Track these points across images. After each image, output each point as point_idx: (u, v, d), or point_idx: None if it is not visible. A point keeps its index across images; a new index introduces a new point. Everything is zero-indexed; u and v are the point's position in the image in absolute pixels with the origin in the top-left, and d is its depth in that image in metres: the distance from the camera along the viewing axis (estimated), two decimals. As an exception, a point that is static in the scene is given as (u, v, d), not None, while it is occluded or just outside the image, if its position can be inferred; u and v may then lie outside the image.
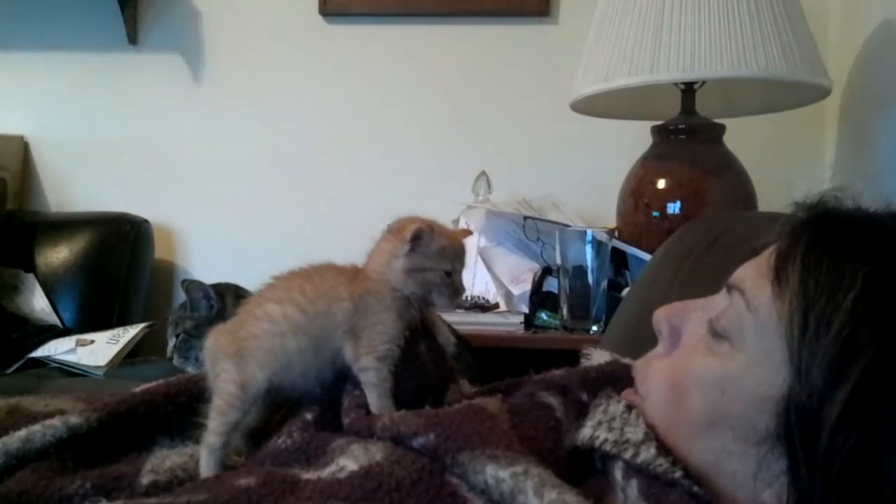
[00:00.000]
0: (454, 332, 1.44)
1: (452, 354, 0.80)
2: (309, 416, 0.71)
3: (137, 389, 0.82)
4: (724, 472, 0.62)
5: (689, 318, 0.70)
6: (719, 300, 0.68)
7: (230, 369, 0.72)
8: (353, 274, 0.76)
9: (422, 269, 0.74)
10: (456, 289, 0.76)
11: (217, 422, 0.71)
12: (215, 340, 0.75)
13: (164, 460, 0.72)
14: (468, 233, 0.84)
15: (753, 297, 0.63)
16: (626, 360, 0.79)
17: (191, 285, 1.51)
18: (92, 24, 2.41)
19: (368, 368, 0.71)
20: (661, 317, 0.71)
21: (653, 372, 0.70)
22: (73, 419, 0.75)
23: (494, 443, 0.61)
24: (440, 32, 2.35)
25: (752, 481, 0.60)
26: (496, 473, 0.58)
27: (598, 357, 0.84)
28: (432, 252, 0.75)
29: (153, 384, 0.83)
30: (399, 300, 0.74)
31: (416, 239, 0.74)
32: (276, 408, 0.77)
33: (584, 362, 0.84)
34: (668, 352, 0.70)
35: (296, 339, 0.72)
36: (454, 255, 0.76)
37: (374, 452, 0.63)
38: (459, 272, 0.77)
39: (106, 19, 2.38)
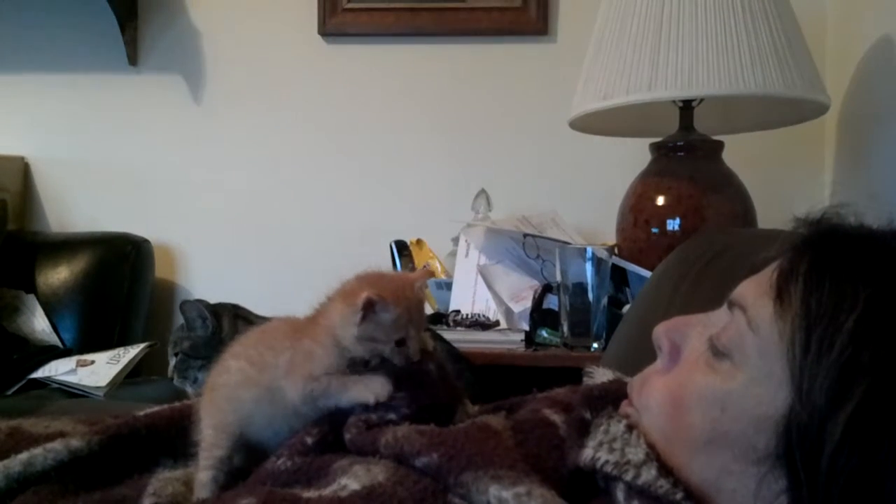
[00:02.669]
0: (454, 350, 1.45)
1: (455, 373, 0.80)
2: (309, 441, 0.71)
3: (141, 413, 0.82)
4: (724, 491, 0.62)
5: (689, 334, 0.69)
6: (720, 316, 0.68)
7: (205, 413, 0.76)
8: (301, 326, 0.76)
9: (373, 339, 0.71)
10: (407, 356, 0.73)
11: (204, 455, 0.74)
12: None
13: (165, 485, 0.72)
14: (428, 275, 0.81)
15: (755, 316, 0.62)
16: (629, 379, 0.79)
17: (187, 306, 1.51)
18: (92, 45, 2.42)
19: (304, 389, 0.71)
20: (661, 332, 0.71)
21: (652, 388, 0.69)
22: (75, 442, 0.75)
23: (498, 462, 0.61)
24: (439, 52, 2.35)
25: (752, 500, 0.60)
26: (499, 494, 0.58)
27: (600, 375, 0.83)
28: (384, 322, 0.71)
29: (157, 409, 0.83)
30: (341, 352, 0.72)
31: (368, 308, 0.70)
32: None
33: (587, 381, 0.83)
34: (668, 368, 0.69)
35: (248, 391, 0.74)
36: (409, 322, 0.72)
37: (377, 473, 0.63)
38: (414, 337, 0.73)
39: (106, 40, 2.39)
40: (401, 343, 0.72)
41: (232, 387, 0.75)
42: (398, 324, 0.71)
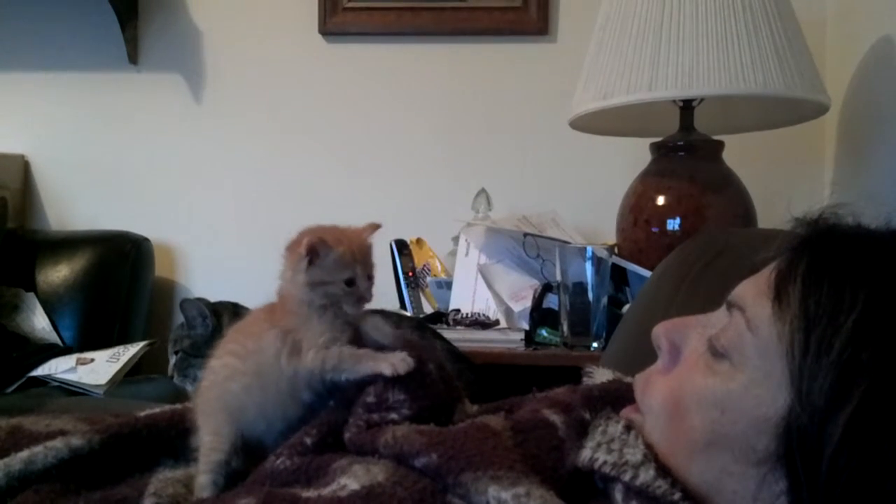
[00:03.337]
0: (455, 349, 1.45)
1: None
2: (308, 441, 0.71)
3: (141, 414, 0.82)
4: (724, 493, 0.61)
5: (688, 334, 0.69)
6: (719, 317, 0.68)
7: (200, 418, 0.76)
8: (272, 306, 0.78)
9: (322, 282, 0.73)
10: (361, 296, 0.75)
11: (203, 459, 0.73)
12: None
13: (166, 485, 0.72)
14: (374, 227, 0.81)
15: (754, 316, 0.62)
16: (629, 379, 0.79)
17: (187, 304, 1.51)
18: (93, 44, 2.42)
19: (315, 359, 0.72)
20: (661, 332, 0.71)
21: (652, 389, 0.69)
22: (76, 441, 0.75)
23: (497, 463, 0.61)
24: (440, 52, 2.36)
25: (752, 502, 0.60)
26: (498, 495, 0.58)
27: (600, 375, 0.83)
28: (329, 264, 0.74)
29: (157, 410, 0.83)
30: (315, 308, 0.74)
31: (312, 252, 0.73)
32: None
33: (587, 381, 0.84)
34: (668, 368, 0.69)
35: (236, 382, 0.74)
36: (354, 261, 0.75)
37: (376, 473, 0.63)
38: (365, 276, 0.76)
39: (106, 39, 2.39)
40: (350, 283, 0.74)
41: (220, 383, 0.75)
42: (343, 261, 0.74)
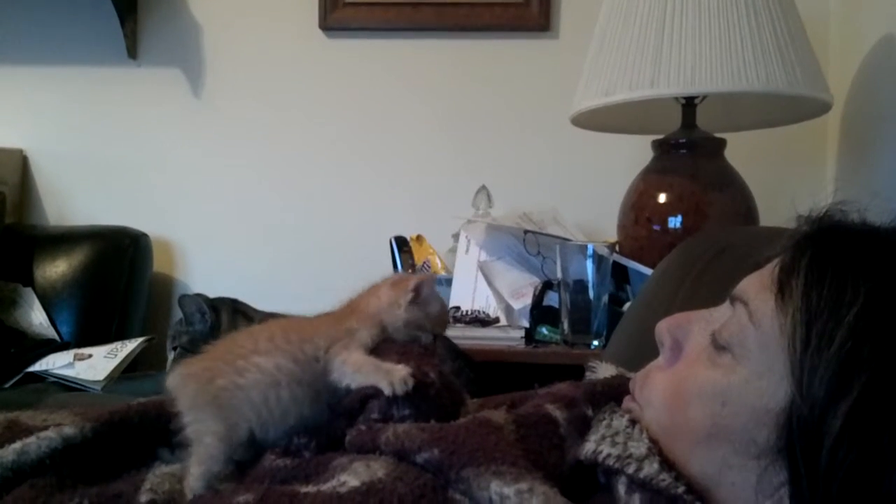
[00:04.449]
0: (454, 347, 1.44)
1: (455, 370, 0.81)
2: (305, 442, 0.71)
3: (133, 402, 0.82)
4: (725, 485, 0.62)
5: (691, 329, 0.70)
6: (722, 312, 0.68)
7: (207, 420, 0.71)
8: (339, 314, 0.79)
9: (418, 325, 0.78)
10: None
11: (198, 469, 0.69)
12: (184, 385, 0.73)
13: (163, 481, 0.71)
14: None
15: (756, 310, 0.63)
16: (632, 374, 0.79)
17: (186, 300, 1.51)
18: (92, 38, 2.41)
19: (345, 361, 0.73)
20: (664, 328, 0.72)
21: (654, 383, 0.70)
22: (68, 430, 0.74)
23: (500, 458, 0.61)
24: (441, 47, 2.35)
25: (753, 494, 0.60)
26: (501, 490, 0.58)
27: (603, 371, 0.84)
28: (430, 309, 0.80)
29: (149, 399, 0.83)
30: (378, 335, 0.77)
31: (417, 291, 0.78)
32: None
33: (590, 375, 0.84)
34: (670, 363, 0.70)
35: (290, 390, 0.71)
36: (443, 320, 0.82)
37: (377, 469, 0.62)
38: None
39: (106, 33, 2.38)
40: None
41: (265, 385, 0.71)
42: (441, 316, 0.81)
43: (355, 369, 0.72)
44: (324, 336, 0.74)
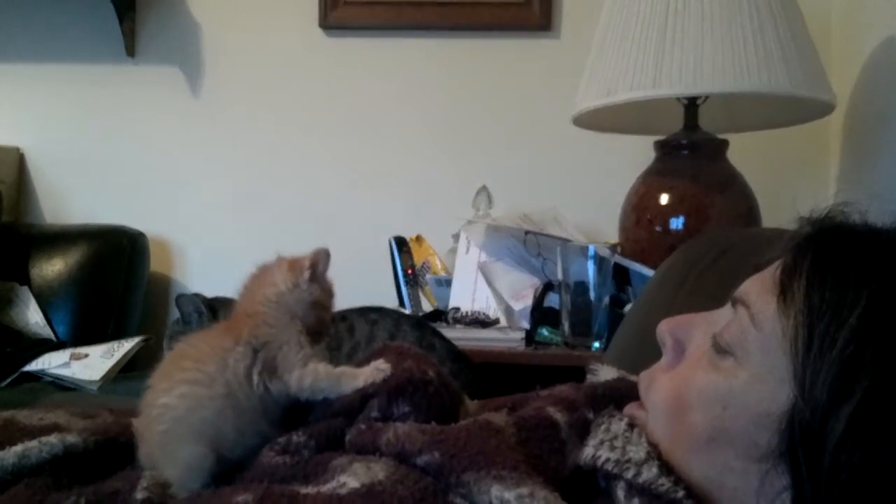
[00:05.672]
0: (454, 348, 1.44)
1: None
2: (303, 440, 0.70)
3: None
4: (726, 489, 0.61)
5: (693, 331, 0.69)
6: (724, 314, 0.67)
7: (168, 466, 0.71)
8: (227, 325, 0.77)
9: (321, 304, 0.77)
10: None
11: (182, 491, 0.70)
12: (139, 444, 0.74)
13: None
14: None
15: (758, 312, 0.62)
16: (634, 377, 0.78)
17: (183, 300, 1.50)
18: (90, 36, 2.41)
19: (302, 377, 0.72)
20: (665, 329, 0.71)
21: (655, 386, 0.69)
22: (71, 438, 0.74)
23: (500, 462, 0.60)
24: (441, 46, 2.34)
25: (755, 498, 0.59)
26: (501, 495, 0.57)
27: (605, 373, 0.83)
28: (327, 284, 0.78)
29: None
30: (297, 324, 0.75)
31: (314, 266, 0.77)
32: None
33: (591, 378, 0.83)
34: (672, 365, 0.69)
35: (206, 410, 0.70)
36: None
37: (377, 471, 0.62)
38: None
39: (104, 31, 2.37)
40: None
41: (184, 418, 0.70)
42: (332, 289, 0.79)
43: (332, 382, 0.73)
44: (227, 350, 0.73)
